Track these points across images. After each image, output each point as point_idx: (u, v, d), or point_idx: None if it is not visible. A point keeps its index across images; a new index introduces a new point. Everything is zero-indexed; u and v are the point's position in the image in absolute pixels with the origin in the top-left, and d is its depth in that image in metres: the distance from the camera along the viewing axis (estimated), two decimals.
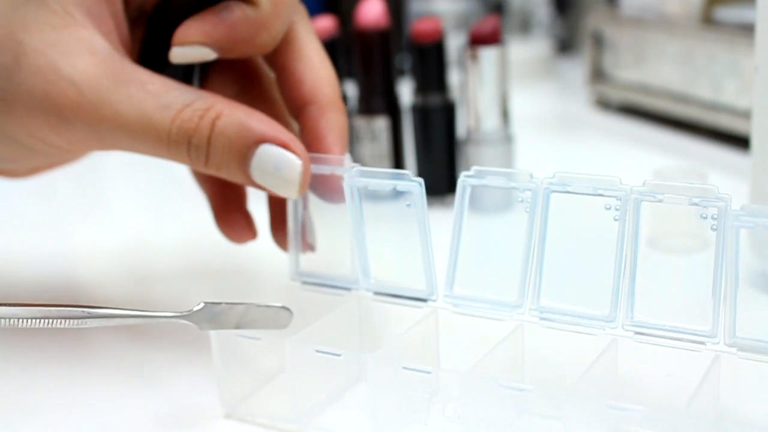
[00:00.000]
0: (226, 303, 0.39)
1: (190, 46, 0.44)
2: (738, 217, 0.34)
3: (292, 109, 0.47)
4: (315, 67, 0.46)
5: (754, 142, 0.47)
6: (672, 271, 0.37)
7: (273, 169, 0.42)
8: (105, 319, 0.38)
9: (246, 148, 0.42)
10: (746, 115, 0.67)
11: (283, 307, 0.40)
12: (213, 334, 0.40)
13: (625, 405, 0.32)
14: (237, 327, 0.39)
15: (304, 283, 0.44)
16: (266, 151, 0.42)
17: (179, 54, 0.44)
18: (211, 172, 0.43)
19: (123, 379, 0.45)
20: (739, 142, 0.70)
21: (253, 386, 0.41)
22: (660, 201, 0.36)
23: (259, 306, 0.40)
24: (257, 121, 0.43)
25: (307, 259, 0.44)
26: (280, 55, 0.46)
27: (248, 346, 0.40)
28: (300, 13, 0.47)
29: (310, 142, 0.45)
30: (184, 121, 0.42)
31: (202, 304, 0.39)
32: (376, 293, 0.42)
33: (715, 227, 0.34)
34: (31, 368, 0.46)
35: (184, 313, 0.39)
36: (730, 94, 0.71)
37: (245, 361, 0.41)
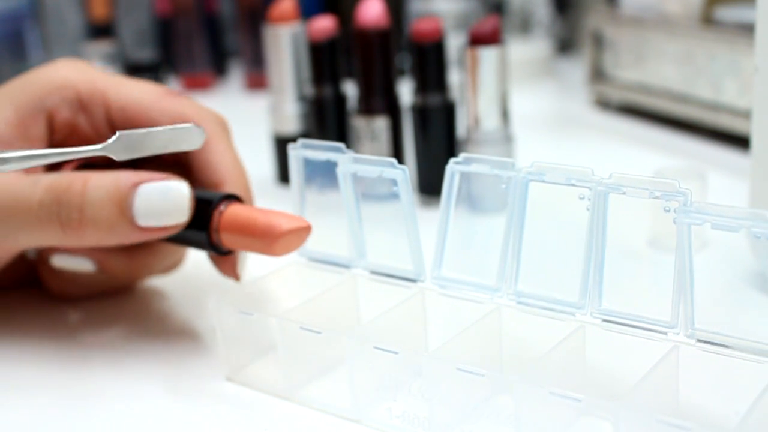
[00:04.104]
0: (141, 129, 0.39)
1: (73, 256, 0.46)
2: (689, 213, 0.35)
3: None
4: (228, 163, 0.46)
5: (754, 142, 0.47)
6: (662, 269, 0.37)
7: (159, 199, 0.41)
8: (24, 161, 0.37)
9: (124, 192, 0.41)
10: (746, 115, 0.67)
11: (194, 126, 0.39)
12: (212, 308, 0.41)
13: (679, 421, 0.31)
14: (154, 153, 0.38)
15: (311, 259, 0.46)
16: (146, 189, 0.41)
17: (58, 261, 0.46)
18: (88, 234, 0.42)
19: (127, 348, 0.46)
20: (739, 142, 0.70)
21: (249, 357, 0.43)
22: (624, 194, 0.37)
23: (172, 128, 0.39)
24: (130, 172, 0.42)
25: (313, 239, 0.45)
26: (194, 157, 0.46)
27: (243, 321, 0.41)
28: (221, 124, 0.47)
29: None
30: (53, 183, 0.41)
31: (117, 134, 0.38)
32: (372, 272, 0.44)
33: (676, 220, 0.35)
34: (35, 338, 0.47)
35: (102, 146, 0.38)
36: (730, 94, 0.71)
37: (241, 334, 0.42)
